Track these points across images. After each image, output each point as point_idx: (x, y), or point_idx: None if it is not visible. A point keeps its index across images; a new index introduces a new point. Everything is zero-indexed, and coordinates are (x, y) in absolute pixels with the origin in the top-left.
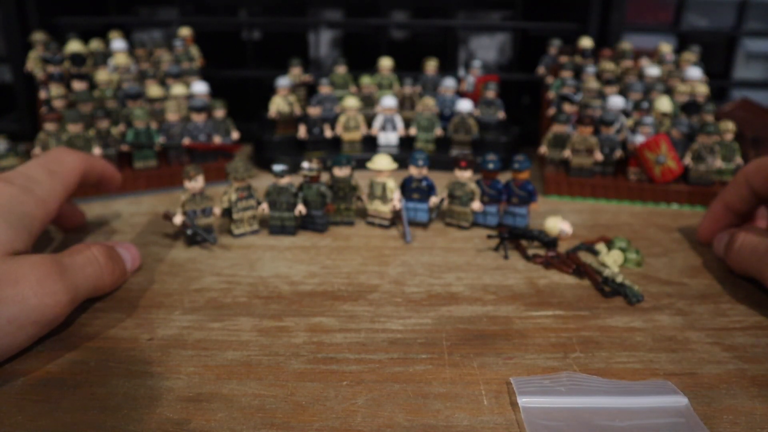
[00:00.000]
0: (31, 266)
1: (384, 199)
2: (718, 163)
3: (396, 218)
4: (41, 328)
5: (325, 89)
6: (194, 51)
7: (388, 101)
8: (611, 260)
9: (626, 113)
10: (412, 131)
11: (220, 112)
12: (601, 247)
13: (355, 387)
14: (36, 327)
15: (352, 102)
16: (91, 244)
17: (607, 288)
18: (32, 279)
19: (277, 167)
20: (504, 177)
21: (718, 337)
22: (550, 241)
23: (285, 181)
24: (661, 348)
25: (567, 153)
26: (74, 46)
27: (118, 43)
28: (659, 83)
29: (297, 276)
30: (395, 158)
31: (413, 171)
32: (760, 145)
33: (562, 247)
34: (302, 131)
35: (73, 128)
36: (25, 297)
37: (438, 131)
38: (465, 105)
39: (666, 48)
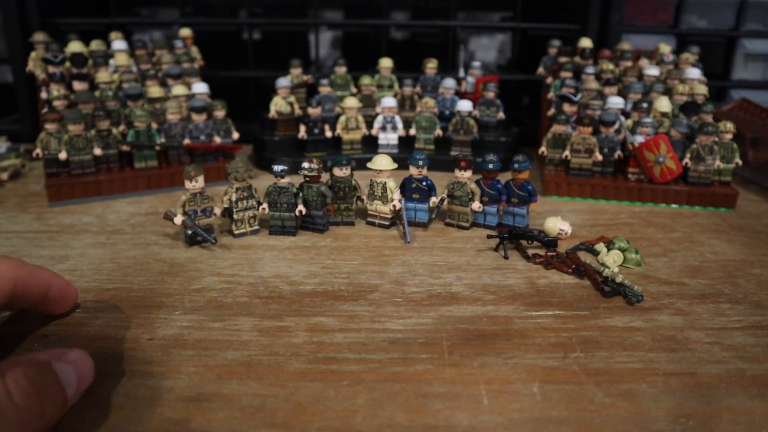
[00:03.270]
0: None
1: (384, 199)
2: (718, 163)
3: (396, 218)
4: None
5: (325, 89)
6: (195, 51)
7: (389, 101)
8: (611, 260)
9: (626, 113)
10: (412, 131)
11: (220, 113)
12: (601, 247)
13: (355, 387)
14: None
15: (352, 102)
16: (9, 366)
17: (607, 288)
18: None
19: (277, 167)
20: (504, 177)
21: (718, 336)
22: (550, 241)
23: (285, 181)
24: (660, 348)
25: (567, 153)
26: (75, 46)
27: (118, 44)
28: (658, 84)
29: (297, 276)
30: (395, 158)
31: (413, 171)
32: (759, 145)
33: (562, 247)
34: (302, 131)
35: (74, 128)
36: None
37: (438, 131)
38: (465, 105)
39: (665, 48)
